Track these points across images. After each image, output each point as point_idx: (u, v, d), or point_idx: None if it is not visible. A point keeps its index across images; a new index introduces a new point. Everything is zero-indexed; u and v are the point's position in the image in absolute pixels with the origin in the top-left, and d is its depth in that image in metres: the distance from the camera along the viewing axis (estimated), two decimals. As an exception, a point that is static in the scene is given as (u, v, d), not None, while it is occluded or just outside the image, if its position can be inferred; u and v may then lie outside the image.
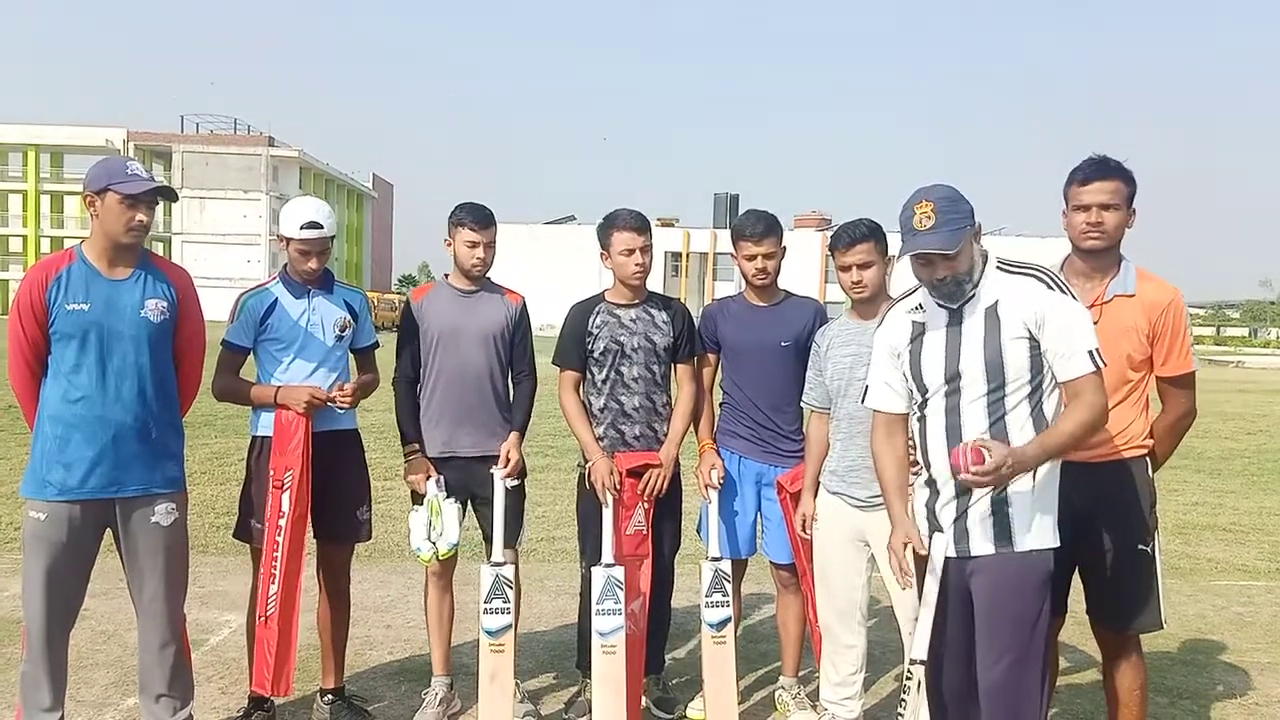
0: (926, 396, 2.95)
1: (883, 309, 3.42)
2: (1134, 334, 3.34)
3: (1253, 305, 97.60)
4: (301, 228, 3.85)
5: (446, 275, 4.25)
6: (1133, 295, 3.36)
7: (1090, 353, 2.80)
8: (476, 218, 4.09)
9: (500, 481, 4.00)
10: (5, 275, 71.02)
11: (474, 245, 4.08)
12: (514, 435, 4.11)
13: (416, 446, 4.11)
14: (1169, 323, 3.35)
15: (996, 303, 2.86)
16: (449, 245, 4.15)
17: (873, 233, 3.73)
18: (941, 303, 2.94)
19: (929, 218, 2.83)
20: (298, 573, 3.79)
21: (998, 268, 2.91)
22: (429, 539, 3.99)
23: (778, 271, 4.13)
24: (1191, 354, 3.43)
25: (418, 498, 4.10)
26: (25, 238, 71.62)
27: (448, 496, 4.04)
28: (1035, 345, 2.82)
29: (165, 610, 3.49)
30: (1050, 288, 2.83)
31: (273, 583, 3.74)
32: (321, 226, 3.88)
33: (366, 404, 4.20)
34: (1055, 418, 2.84)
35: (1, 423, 11.61)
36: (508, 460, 4.04)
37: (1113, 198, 3.36)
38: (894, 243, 3.82)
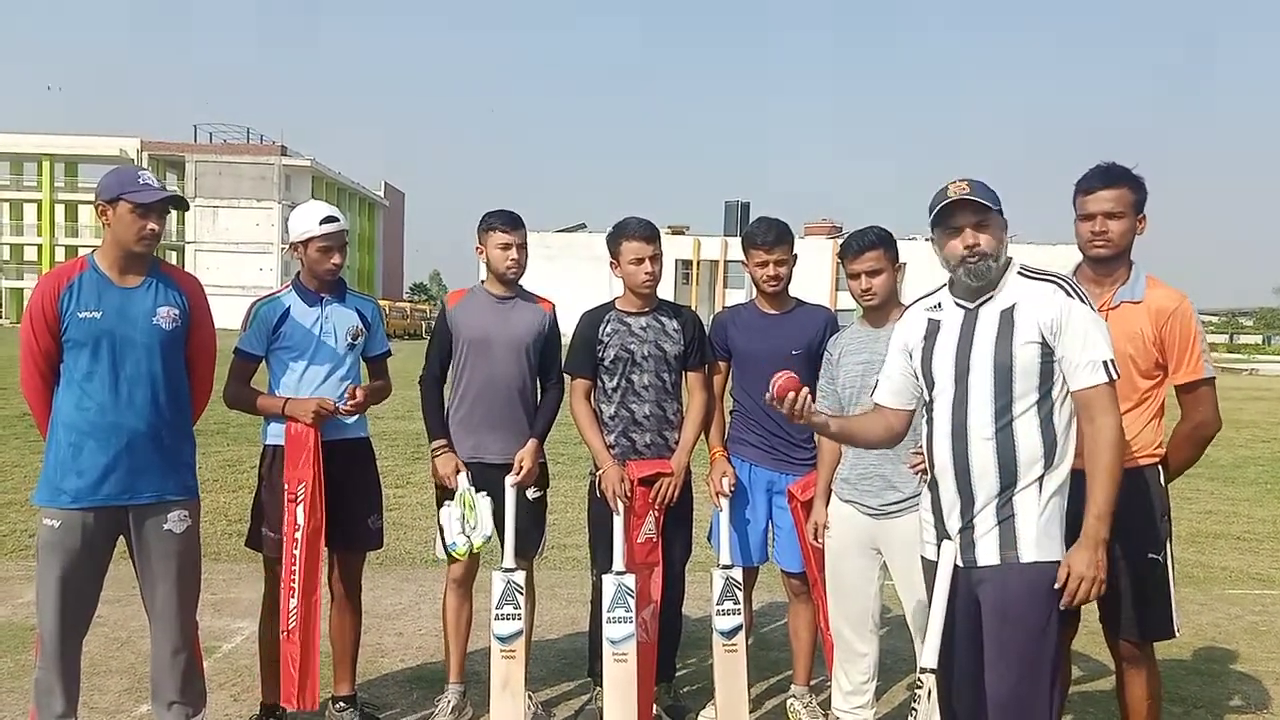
0: (934, 395, 2.94)
1: (895, 314, 3.42)
2: (1139, 341, 3.32)
3: (1266, 313, 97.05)
4: (322, 223, 3.87)
5: (483, 282, 4.27)
6: (1140, 302, 3.35)
7: (1105, 363, 2.77)
8: (506, 220, 4.12)
9: (511, 489, 4.01)
10: (20, 284, 71.40)
11: (507, 247, 4.10)
12: (532, 443, 4.11)
13: (445, 442, 4.12)
14: (1175, 329, 3.32)
15: (1013, 306, 2.85)
16: (480, 252, 4.17)
17: (882, 240, 3.74)
18: (960, 301, 2.94)
19: (964, 188, 2.87)
20: (316, 585, 3.79)
21: (1019, 273, 2.91)
22: (463, 533, 4.00)
23: (789, 279, 4.13)
24: (1204, 362, 3.37)
25: (445, 495, 4.10)
26: (40, 247, 72.04)
27: (478, 490, 4.04)
28: (1048, 352, 2.80)
29: (177, 617, 3.50)
30: (1070, 295, 2.81)
31: (292, 596, 3.74)
32: (338, 219, 3.93)
33: (378, 412, 4.22)
34: (1066, 431, 2.82)
35: (16, 430, 11.69)
36: (520, 467, 4.05)
37: (1117, 205, 3.35)
38: (904, 250, 3.84)
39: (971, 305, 2.92)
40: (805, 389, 2.94)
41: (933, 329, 2.99)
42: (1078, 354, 2.78)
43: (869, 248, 3.72)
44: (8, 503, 8.10)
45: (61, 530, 3.32)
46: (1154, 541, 3.37)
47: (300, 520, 3.73)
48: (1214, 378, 3.43)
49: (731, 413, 4.30)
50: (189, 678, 3.55)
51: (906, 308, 3.21)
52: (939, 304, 3.02)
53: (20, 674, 4.38)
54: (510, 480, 4.01)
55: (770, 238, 4.06)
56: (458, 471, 4.06)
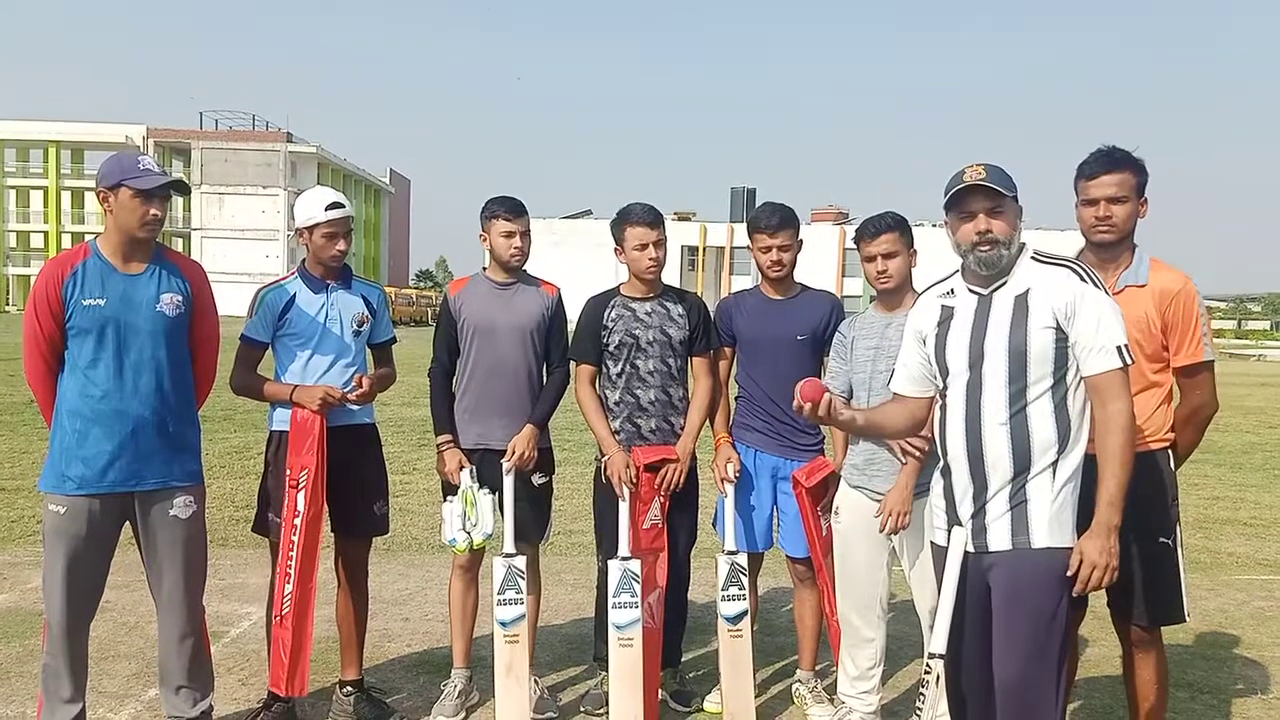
0: (948, 381, 2.93)
1: (909, 300, 3.40)
2: (1144, 325, 3.30)
3: (1275, 298, 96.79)
4: (327, 209, 3.87)
5: (485, 269, 4.26)
6: (1144, 285, 3.33)
7: (1120, 348, 2.76)
8: (509, 207, 4.11)
9: (508, 475, 4.01)
10: (27, 271, 71.57)
11: (510, 235, 4.09)
12: (527, 428, 4.08)
13: (450, 437, 4.12)
14: (1179, 312, 3.31)
15: (1027, 291, 2.84)
16: (484, 240, 4.16)
17: (898, 224, 3.77)
18: (973, 287, 2.93)
19: (979, 172, 2.86)
20: (313, 572, 3.79)
21: (1032, 258, 2.90)
22: (464, 529, 4.00)
23: (793, 264, 4.12)
24: (1204, 344, 3.36)
25: (449, 489, 4.10)
26: (47, 233, 72.22)
27: (481, 487, 4.05)
28: (1062, 337, 2.79)
29: (184, 602, 3.51)
30: (1084, 279, 2.81)
31: (288, 582, 3.74)
32: (344, 206, 3.93)
33: (384, 398, 4.22)
34: (1080, 416, 2.81)
35: (24, 416, 11.73)
36: (513, 452, 4.02)
37: (1120, 190, 3.33)
38: (918, 236, 3.83)
39: (985, 291, 2.90)
40: (830, 394, 2.93)
41: (946, 315, 2.97)
42: (1091, 339, 2.77)
43: (886, 230, 3.74)
44: (16, 488, 8.14)
45: (67, 516, 3.33)
46: (1164, 525, 3.36)
47: (301, 507, 3.73)
48: (1214, 361, 3.42)
49: (737, 399, 4.29)
50: (197, 662, 3.57)
51: (920, 294, 3.20)
52: (951, 290, 3.01)
53: (28, 659, 4.40)
54: (505, 465, 4.01)
55: (774, 222, 4.05)
56: (461, 468, 4.06)
